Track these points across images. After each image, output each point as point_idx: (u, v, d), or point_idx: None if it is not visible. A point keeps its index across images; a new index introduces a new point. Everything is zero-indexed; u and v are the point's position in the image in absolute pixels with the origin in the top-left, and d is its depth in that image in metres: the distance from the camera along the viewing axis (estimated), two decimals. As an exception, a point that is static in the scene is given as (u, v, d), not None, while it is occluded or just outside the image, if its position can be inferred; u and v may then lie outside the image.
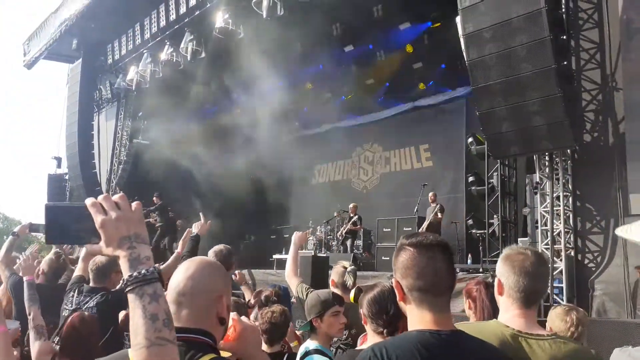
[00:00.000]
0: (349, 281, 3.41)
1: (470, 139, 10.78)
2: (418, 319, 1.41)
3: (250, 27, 11.14)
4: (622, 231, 1.48)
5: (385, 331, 2.03)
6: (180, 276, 1.38)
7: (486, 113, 7.23)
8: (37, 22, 15.41)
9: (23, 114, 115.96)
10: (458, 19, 7.26)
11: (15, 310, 3.82)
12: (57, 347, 2.70)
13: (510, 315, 1.71)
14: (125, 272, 1.05)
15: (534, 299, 1.70)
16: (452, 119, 13.17)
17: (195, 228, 4.02)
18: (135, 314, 1.01)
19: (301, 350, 2.63)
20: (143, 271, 1.04)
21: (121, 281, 1.06)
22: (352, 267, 3.51)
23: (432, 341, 1.34)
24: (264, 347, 2.86)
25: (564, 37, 7.51)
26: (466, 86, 10.96)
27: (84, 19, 12.93)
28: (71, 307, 3.36)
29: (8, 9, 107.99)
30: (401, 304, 1.47)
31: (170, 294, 1.36)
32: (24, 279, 3.44)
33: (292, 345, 3.17)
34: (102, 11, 12.60)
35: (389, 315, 2.03)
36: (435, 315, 1.39)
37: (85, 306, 3.29)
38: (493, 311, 2.47)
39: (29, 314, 3.05)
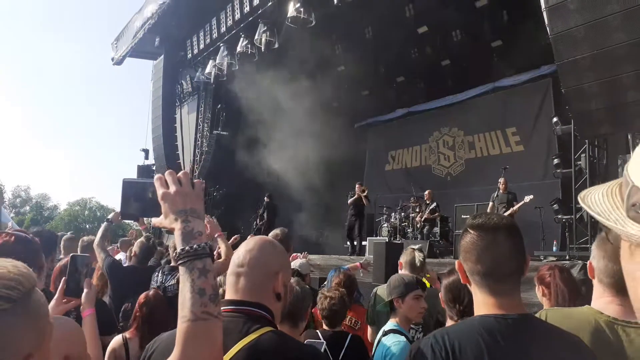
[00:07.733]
0: (418, 259, 3.36)
1: (555, 119, 10.13)
2: (482, 302, 1.36)
3: (322, 14, 11.14)
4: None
5: (459, 320, 2.01)
6: (241, 250, 1.44)
7: (573, 90, 6.77)
8: (124, 23, 16.40)
9: (117, 108, 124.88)
10: (540, -9, 6.83)
11: (110, 289, 4.10)
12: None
13: (604, 302, 1.59)
14: (178, 245, 1.09)
15: None
16: (538, 99, 12.45)
17: None
18: (184, 287, 1.06)
19: (380, 331, 2.66)
20: (195, 246, 1.08)
21: (173, 253, 1.11)
22: (419, 245, 3.45)
23: (496, 326, 1.27)
24: (325, 327, 2.90)
25: (664, 1, 6.80)
26: (550, 64, 10.30)
27: (165, 17, 13.61)
28: (155, 285, 3.66)
29: (99, 12, 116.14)
30: (467, 285, 1.43)
31: (231, 266, 1.42)
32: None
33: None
34: (181, 9, 13.19)
35: (462, 304, 2.04)
36: (499, 299, 1.32)
37: (167, 283, 3.54)
38: (569, 296, 2.34)
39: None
